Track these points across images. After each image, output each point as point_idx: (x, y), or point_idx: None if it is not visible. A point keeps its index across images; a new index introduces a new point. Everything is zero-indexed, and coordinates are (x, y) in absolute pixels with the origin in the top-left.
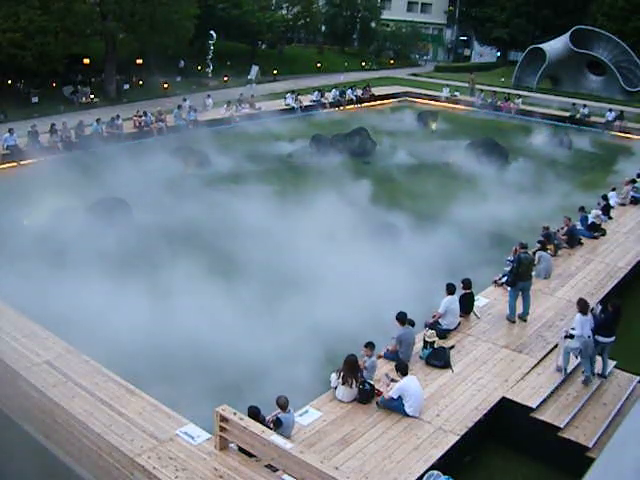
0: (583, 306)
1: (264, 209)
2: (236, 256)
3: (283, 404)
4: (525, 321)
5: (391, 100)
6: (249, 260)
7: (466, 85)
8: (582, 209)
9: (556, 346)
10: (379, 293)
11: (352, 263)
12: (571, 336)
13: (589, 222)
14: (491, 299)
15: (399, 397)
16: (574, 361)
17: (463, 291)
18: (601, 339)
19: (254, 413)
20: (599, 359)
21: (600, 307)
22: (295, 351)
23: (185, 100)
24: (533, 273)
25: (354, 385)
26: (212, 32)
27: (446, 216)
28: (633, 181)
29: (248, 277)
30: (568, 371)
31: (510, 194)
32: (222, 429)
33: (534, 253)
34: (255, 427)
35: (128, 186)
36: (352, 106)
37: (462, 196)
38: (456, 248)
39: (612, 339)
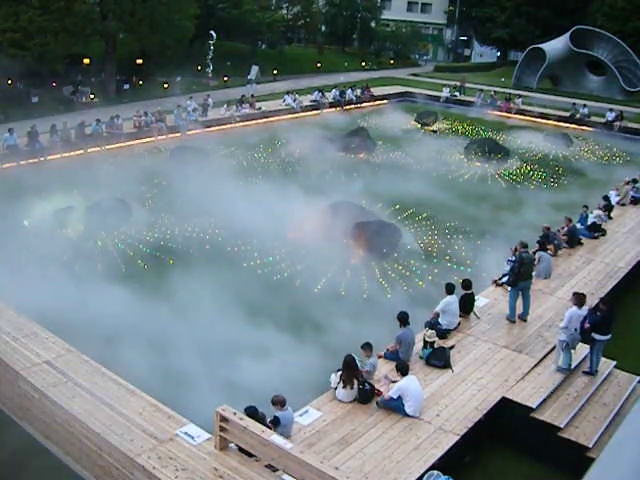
0: (578, 300)
1: None
2: None
3: (279, 402)
4: (525, 321)
5: (391, 100)
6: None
7: (469, 86)
8: (585, 208)
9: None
10: None
11: None
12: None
13: (590, 222)
14: (491, 299)
15: (399, 397)
16: (575, 357)
17: (464, 291)
18: (598, 337)
19: (251, 413)
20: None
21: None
22: None
23: (191, 98)
24: (533, 273)
25: (354, 385)
26: (212, 32)
27: None
28: (634, 181)
29: None
30: (564, 366)
31: None
32: (222, 429)
33: (534, 253)
34: (255, 427)
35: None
36: (352, 106)
37: None
38: None
39: (608, 337)
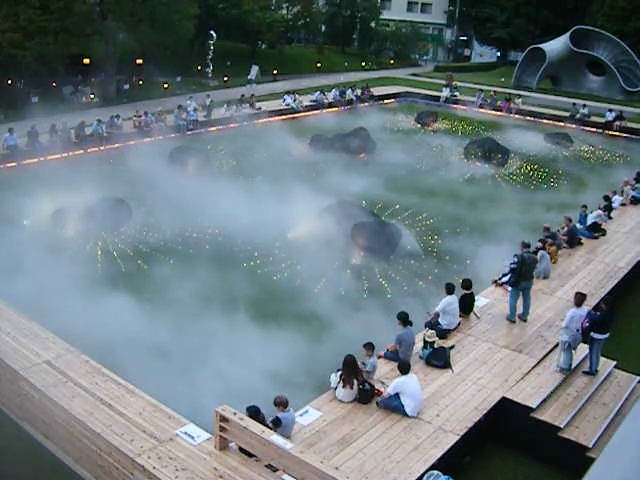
0: (578, 299)
1: None
2: None
3: (282, 403)
4: (525, 321)
5: (391, 100)
6: None
7: (468, 86)
8: (584, 207)
9: (556, 346)
10: None
11: None
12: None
13: (590, 222)
14: (491, 299)
15: (397, 396)
16: (576, 357)
17: (463, 291)
18: (596, 336)
19: (253, 413)
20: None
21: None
22: None
23: (191, 98)
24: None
25: (354, 385)
26: (212, 32)
27: None
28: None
29: None
30: (564, 366)
31: None
32: (222, 429)
33: (535, 253)
34: (255, 427)
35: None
36: (352, 106)
37: None
38: None
39: (606, 336)
